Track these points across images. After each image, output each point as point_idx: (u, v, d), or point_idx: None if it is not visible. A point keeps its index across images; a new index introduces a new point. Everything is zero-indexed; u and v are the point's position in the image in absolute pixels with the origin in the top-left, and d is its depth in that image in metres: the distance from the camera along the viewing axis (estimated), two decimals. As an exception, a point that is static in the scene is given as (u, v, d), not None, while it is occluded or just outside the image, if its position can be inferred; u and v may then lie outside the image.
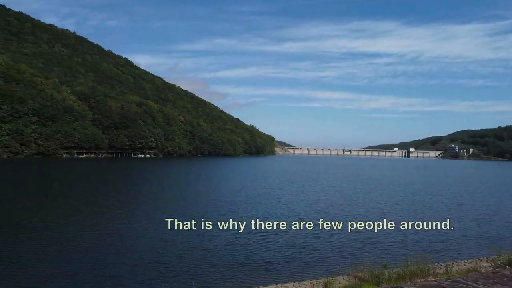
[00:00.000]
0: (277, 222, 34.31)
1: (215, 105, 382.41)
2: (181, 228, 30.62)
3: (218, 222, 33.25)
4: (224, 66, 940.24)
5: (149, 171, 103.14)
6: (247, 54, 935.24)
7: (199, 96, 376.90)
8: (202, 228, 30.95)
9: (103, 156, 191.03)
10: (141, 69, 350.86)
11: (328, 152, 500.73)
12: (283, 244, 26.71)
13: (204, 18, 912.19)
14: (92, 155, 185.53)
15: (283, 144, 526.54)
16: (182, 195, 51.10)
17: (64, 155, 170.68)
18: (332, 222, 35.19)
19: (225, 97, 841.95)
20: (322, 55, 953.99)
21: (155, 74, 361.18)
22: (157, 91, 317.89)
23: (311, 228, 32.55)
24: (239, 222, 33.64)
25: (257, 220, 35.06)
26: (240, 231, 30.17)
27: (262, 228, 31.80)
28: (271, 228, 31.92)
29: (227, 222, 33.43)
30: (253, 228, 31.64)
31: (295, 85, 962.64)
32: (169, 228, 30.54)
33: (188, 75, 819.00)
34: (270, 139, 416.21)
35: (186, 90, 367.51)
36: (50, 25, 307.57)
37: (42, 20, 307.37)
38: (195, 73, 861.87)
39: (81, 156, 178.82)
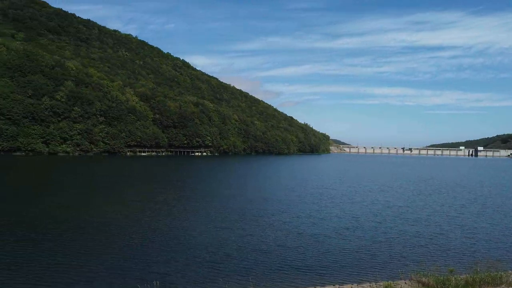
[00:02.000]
0: (331, 224, 33.21)
1: (269, 103, 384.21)
2: (233, 226, 30.72)
3: (270, 222, 32.93)
4: (278, 64, 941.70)
5: (205, 168, 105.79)
6: (301, 52, 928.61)
7: (253, 95, 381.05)
8: (254, 227, 30.79)
9: (163, 154, 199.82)
10: (197, 70, 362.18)
11: (386, 151, 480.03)
12: (338, 247, 25.69)
13: (257, 17, 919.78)
14: (153, 153, 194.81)
15: (338, 143, 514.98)
16: (235, 193, 51.53)
17: (128, 153, 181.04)
18: (391, 225, 33.36)
19: (279, 95, 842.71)
20: (380, 49, 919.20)
21: (211, 75, 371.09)
22: (212, 91, 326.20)
23: (368, 230, 31.06)
24: (291, 222, 33.08)
25: (310, 220, 34.23)
26: (292, 232, 29.57)
27: (315, 229, 30.93)
28: (324, 229, 30.94)
29: (279, 222, 33.00)
30: (305, 229, 30.88)
31: (351, 81, 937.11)
32: (222, 226, 30.77)
33: (242, 75, 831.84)
34: (325, 137, 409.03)
35: (241, 89, 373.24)
36: (114, 30, 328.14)
37: (107, 26, 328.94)
38: (249, 72, 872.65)
39: (143, 154, 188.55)
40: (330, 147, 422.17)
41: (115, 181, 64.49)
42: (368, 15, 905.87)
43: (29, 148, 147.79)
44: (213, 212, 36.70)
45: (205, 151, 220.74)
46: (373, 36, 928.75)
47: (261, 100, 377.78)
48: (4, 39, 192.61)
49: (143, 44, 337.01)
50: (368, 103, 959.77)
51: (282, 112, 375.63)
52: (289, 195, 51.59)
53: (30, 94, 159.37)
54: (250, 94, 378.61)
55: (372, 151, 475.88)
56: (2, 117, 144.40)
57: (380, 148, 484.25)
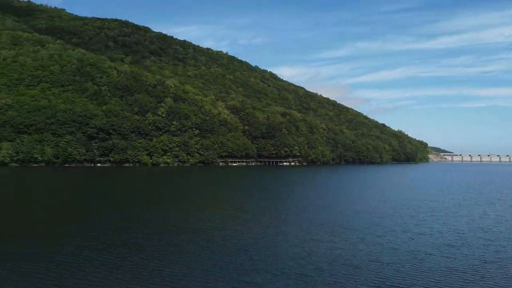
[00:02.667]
0: (432, 239, 30.29)
1: (358, 111, 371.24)
2: (323, 239, 29.88)
3: (362, 235, 31.29)
4: (367, 70, 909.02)
5: (294, 178, 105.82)
6: (392, 55, 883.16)
7: (341, 103, 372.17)
8: (345, 240, 29.54)
9: (253, 164, 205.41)
10: (284, 80, 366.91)
11: (496, 159, 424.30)
12: (441, 266, 23.23)
13: (344, 24, 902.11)
14: (243, 163, 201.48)
15: (438, 151, 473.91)
16: (326, 204, 50.33)
17: (221, 163, 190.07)
18: (504, 243, 29.21)
19: (369, 102, 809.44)
20: (484, 47, 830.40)
21: (297, 85, 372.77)
22: (299, 100, 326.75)
23: (477, 248, 27.60)
24: (385, 237, 30.99)
25: (407, 235, 31.69)
26: (386, 247, 27.64)
27: (413, 245, 28.48)
28: (424, 245, 28.31)
29: (372, 236, 31.16)
30: (402, 244, 28.63)
31: (451, 84, 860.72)
32: (312, 238, 30.12)
33: (329, 83, 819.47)
34: (422, 145, 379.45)
35: (328, 98, 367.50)
36: (207, 49, 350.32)
37: (201, 45, 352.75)
38: (336, 80, 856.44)
39: (234, 164, 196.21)
40: (429, 156, 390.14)
41: (208, 190, 67.92)
42: (466, 11, 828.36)
43: (136, 160, 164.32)
44: (303, 223, 36.24)
45: (293, 161, 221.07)
46: (474, 33, 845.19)
47: (350, 108, 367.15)
48: (115, 63, 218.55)
49: (233, 59, 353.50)
50: (472, 106, 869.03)
51: (372, 119, 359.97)
52: (383, 207, 48.67)
53: (136, 111, 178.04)
54: (338, 102, 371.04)
55: (478, 159, 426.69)
56: (114, 133, 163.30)
57: (488, 156, 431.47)
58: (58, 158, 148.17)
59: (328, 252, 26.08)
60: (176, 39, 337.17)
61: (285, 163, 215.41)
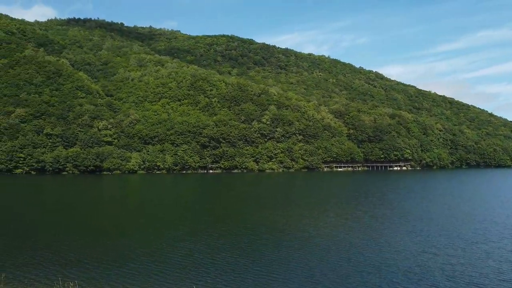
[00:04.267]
0: None
1: (482, 108, 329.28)
2: (440, 252, 26.97)
3: (489, 249, 27.36)
4: (491, 61, 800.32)
5: (405, 184, 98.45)
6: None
7: (460, 100, 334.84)
8: (468, 254, 26.20)
9: (359, 169, 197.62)
10: (391, 80, 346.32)
11: None
12: None
13: (460, 13, 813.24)
14: (349, 168, 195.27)
15: None
16: (441, 213, 45.50)
17: (325, 169, 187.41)
18: None
19: (495, 97, 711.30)
20: None
21: (407, 83, 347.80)
22: (409, 100, 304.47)
23: None
24: (521, 253, 26.57)
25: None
26: (522, 266, 23.66)
27: (559, 265, 23.83)
28: None
29: (502, 251, 27.03)
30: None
31: None
32: (426, 250, 27.46)
33: (444, 79, 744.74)
34: None
35: (443, 95, 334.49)
36: (309, 54, 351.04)
37: (302, 51, 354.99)
38: (453, 75, 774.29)
39: (339, 169, 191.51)
40: None
41: (312, 196, 67.32)
42: None
43: (243, 166, 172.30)
44: (416, 234, 33.36)
45: (404, 165, 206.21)
46: None
47: (471, 105, 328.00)
48: (223, 76, 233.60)
49: (335, 62, 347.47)
50: None
51: (500, 117, 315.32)
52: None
53: (243, 119, 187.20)
54: (456, 99, 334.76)
55: None
56: (223, 141, 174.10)
57: None
58: (176, 166, 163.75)
59: (447, 267, 23.43)
60: (278, 48, 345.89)
61: (395, 168, 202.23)
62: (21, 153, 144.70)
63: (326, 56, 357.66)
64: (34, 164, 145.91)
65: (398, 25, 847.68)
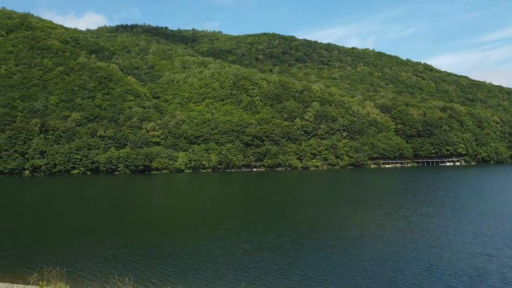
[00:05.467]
0: None
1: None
2: (495, 253, 25.12)
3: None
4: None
5: (459, 180, 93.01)
6: None
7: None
8: (529, 257, 24.18)
9: (409, 165, 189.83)
10: (442, 71, 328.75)
11: None
12: None
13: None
14: (398, 165, 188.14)
15: None
16: (497, 211, 42.37)
17: (372, 166, 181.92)
18: None
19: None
20: None
21: (459, 74, 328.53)
22: (462, 91, 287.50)
23: None
24: None
25: None
26: None
27: None
28: None
29: None
30: None
31: None
32: (479, 252, 25.70)
33: (501, 68, 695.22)
34: None
35: (500, 85, 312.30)
36: (352, 48, 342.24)
37: (345, 46, 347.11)
38: (510, 63, 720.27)
39: (387, 166, 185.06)
40: None
41: (357, 193, 65.56)
42: None
43: (287, 164, 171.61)
44: (468, 234, 31.37)
45: (458, 161, 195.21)
46: None
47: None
48: (265, 74, 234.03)
49: (380, 55, 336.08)
50: None
51: None
52: None
53: (285, 117, 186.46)
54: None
55: None
56: (266, 139, 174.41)
57: None
58: (221, 164, 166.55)
59: (505, 270, 21.78)
60: (320, 43, 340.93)
61: (447, 163, 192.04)
62: (78, 154, 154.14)
63: (371, 49, 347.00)
64: (89, 164, 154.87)
65: (448, 12, 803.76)
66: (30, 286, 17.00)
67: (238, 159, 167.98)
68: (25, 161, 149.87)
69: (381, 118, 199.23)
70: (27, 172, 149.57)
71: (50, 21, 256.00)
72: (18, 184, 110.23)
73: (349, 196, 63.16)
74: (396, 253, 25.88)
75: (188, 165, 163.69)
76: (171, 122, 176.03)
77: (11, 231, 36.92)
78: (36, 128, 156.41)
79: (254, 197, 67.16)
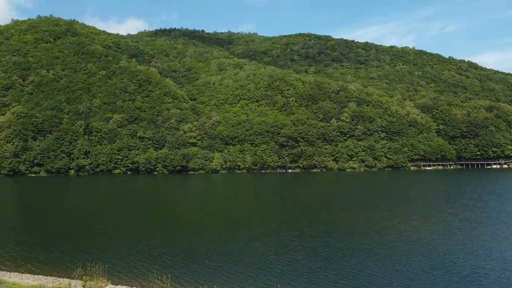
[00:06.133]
0: None
1: None
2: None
3: None
4: None
5: (504, 184, 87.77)
6: None
7: None
8: None
9: (451, 167, 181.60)
10: (487, 69, 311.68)
11: None
12: None
13: None
14: (440, 167, 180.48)
15: None
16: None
17: (412, 168, 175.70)
18: None
19: None
20: None
21: (506, 72, 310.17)
22: (510, 90, 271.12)
23: None
24: None
25: None
26: None
27: None
28: None
29: None
30: None
31: None
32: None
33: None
34: None
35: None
36: (391, 47, 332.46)
37: (384, 44, 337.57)
38: None
39: (428, 168, 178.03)
40: None
41: (394, 197, 63.58)
42: None
43: (323, 165, 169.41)
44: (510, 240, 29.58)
45: (505, 163, 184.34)
46: None
47: None
48: (300, 75, 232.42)
49: (421, 53, 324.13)
50: None
51: None
52: None
53: (321, 118, 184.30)
54: None
55: None
56: (302, 140, 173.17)
57: None
58: (256, 165, 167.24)
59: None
60: (357, 42, 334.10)
61: (494, 166, 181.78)
62: (119, 155, 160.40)
63: (410, 47, 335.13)
64: (129, 164, 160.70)
65: (494, 7, 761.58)
66: (74, 280, 17.94)
67: (273, 160, 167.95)
68: (71, 161, 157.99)
69: (422, 118, 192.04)
70: (72, 171, 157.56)
71: (94, 27, 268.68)
72: (64, 182, 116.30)
73: (387, 199, 61.39)
74: (433, 260, 24.88)
75: (224, 166, 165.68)
76: (207, 123, 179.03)
77: (57, 228, 39.07)
78: (81, 129, 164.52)
79: (288, 198, 66.90)
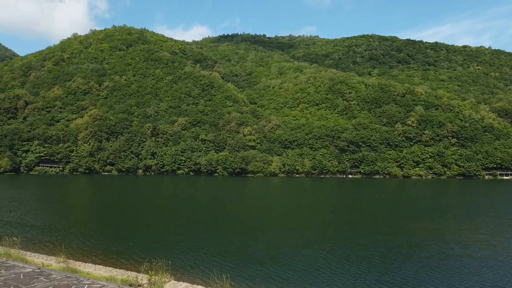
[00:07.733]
0: None
1: None
2: None
3: None
4: None
5: None
6: None
7: None
8: None
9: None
10: None
11: None
12: None
13: None
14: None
15: None
16: None
17: (486, 177, 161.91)
18: None
19: None
20: None
21: None
22: None
23: None
24: None
25: None
26: None
27: None
28: None
29: None
30: None
31: None
32: None
33: None
34: None
35: None
36: (464, 46, 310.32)
37: (456, 44, 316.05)
38: None
39: (505, 177, 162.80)
40: None
41: (462, 207, 58.79)
42: None
43: (386, 172, 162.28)
44: None
45: None
46: None
47: None
48: (363, 77, 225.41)
49: (498, 53, 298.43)
50: None
51: None
52: None
53: (384, 122, 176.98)
54: None
55: None
56: (363, 145, 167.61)
57: None
58: (315, 170, 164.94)
59: None
60: (425, 42, 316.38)
61: None
62: (182, 156, 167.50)
63: (486, 47, 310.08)
64: (192, 166, 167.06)
65: None
66: (141, 274, 18.88)
67: (332, 165, 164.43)
68: (139, 161, 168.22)
69: (499, 123, 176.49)
70: (140, 171, 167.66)
71: (162, 35, 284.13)
72: (134, 181, 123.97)
73: (454, 209, 57.02)
74: (503, 277, 22.54)
75: (282, 170, 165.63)
76: (266, 126, 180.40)
77: (128, 223, 41.62)
78: (149, 131, 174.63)
79: (346, 205, 64.90)
